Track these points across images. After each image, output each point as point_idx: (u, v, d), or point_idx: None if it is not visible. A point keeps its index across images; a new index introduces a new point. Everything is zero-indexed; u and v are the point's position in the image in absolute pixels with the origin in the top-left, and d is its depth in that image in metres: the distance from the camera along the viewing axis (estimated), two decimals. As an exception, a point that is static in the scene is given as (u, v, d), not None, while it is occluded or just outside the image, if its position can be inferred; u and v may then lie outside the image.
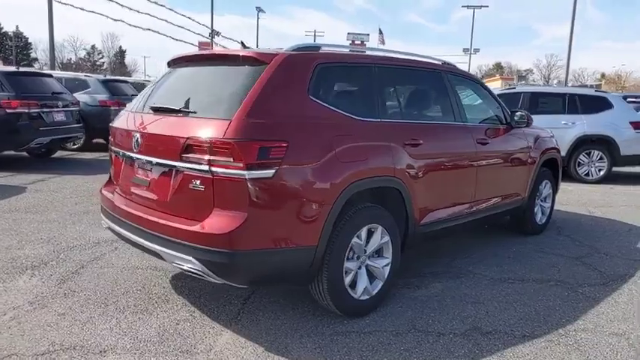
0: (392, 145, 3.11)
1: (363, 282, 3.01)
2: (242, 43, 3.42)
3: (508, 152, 4.36)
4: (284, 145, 2.52)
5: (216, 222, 2.48)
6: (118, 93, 10.75)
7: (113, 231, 3.19)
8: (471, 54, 44.23)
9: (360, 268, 3.01)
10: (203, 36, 32.35)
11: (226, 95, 2.71)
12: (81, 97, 9.88)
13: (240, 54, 2.85)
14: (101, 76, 11.56)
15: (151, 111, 2.98)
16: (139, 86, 12.37)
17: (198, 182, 2.54)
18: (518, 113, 4.43)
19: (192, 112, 2.71)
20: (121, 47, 76.56)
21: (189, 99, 2.83)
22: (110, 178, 3.48)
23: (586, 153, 8.68)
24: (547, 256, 4.39)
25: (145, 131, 2.89)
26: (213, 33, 32.66)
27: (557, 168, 5.28)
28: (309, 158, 2.65)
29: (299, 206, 2.61)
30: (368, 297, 3.04)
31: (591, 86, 31.60)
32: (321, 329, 2.86)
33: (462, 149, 3.76)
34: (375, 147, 3.02)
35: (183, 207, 2.65)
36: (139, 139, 2.89)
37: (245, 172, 2.41)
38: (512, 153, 4.41)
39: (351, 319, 2.98)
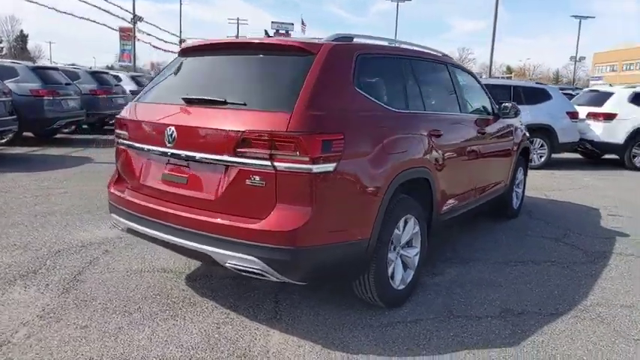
0: (422, 135, 3.15)
1: (399, 272, 3.04)
2: (266, 31, 3.29)
3: (499, 141, 4.59)
4: (342, 137, 2.47)
5: (282, 219, 2.37)
6: (51, 81, 9.82)
7: (134, 231, 2.95)
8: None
9: (396, 258, 3.04)
10: (125, 20, 30.46)
11: (277, 86, 2.60)
12: (9, 86, 8.89)
13: (286, 43, 2.73)
14: (30, 63, 10.48)
15: (182, 102, 2.74)
16: (72, 75, 11.39)
17: (257, 178, 2.40)
18: (505, 104, 4.66)
19: (241, 104, 2.55)
20: (22, 31, 69.95)
21: (230, 90, 2.66)
22: (119, 174, 3.19)
23: (529, 140, 9.32)
24: (532, 239, 4.69)
25: (184, 124, 2.66)
26: (136, 18, 30.85)
27: (528, 155, 5.66)
28: (362, 151, 2.62)
29: (356, 200, 2.57)
30: (404, 286, 3.07)
31: (508, 78, 34.00)
32: (367, 321, 2.85)
33: (469, 139, 3.90)
34: (411, 138, 3.06)
35: (238, 204, 2.49)
36: (175, 133, 2.65)
37: (312, 166, 2.33)
38: (501, 142, 4.65)
39: (391, 310, 2.99)
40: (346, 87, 2.69)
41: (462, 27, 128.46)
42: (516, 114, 4.77)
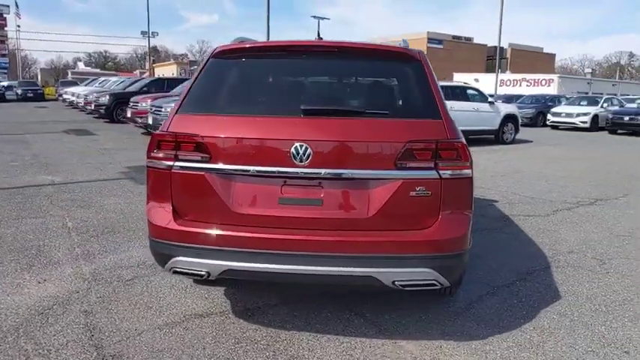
0: None
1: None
2: (319, 34, 3.09)
3: None
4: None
5: (450, 225, 2.44)
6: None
7: (235, 271, 2.48)
8: (149, 37, 45.90)
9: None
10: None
11: (403, 93, 2.59)
12: None
13: (395, 50, 2.71)
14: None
15: (299, 114, 2.48)
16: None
17: (422, 188, 2.38)
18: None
19: (382, 114, 2.48)
20: None
21: (349, 98, 2.53)
22: (179, 207, 2.57)
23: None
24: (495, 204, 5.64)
25: (322, 139, 2.40)
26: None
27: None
28: None
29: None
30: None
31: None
32: (445, 309, 3.11)
33: None
34: None
35: (398, 218, 2.42)
36: (309, 151, 2.37)
37: (469, 171, 2.46)
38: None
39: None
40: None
41: (195, 20, 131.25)
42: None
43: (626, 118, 18.70)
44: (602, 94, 29.67)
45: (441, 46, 72.91)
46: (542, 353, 2.61)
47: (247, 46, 2.81)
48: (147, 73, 48.33)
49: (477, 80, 40.56)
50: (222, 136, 2.50)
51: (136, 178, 7.23)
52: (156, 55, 72.80)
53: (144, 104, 12.39)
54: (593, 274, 3.78)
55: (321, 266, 2.39)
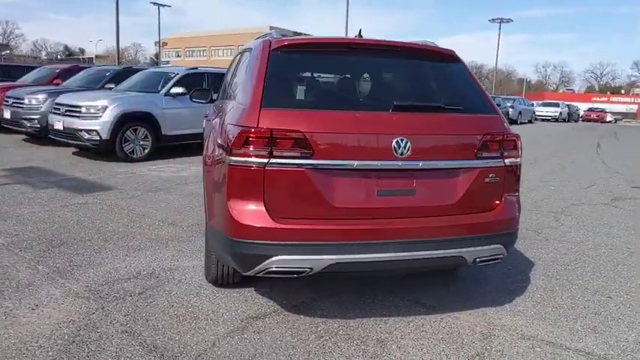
0: None
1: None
2: (360, 32, 3.22)
3: None
4: None
5: (511, 205, 2.84)
6: None
7: (342, 264, 2.50)
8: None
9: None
10: None
11: (462, 90, 2.90)
12: None
13: (445, 51, 2.99)
14: None
15: (383, 109, 2.64)
16: None
17: (493, 175, 2.73)
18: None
19: (457, 109, 2.75)
20: None
21: (427, 94, 2.74)
22: (274, 204, 2.48)
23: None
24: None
25: (418, 134, 2.57)
26: None
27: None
28: None
29: None
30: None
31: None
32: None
33: None
34: None
35: (476, 202, 2.72)
36: (409, 144, 2.52)
37: (520, 159, 2.88)
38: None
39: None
40: None
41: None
42: None
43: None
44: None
45: (283, 42, 74.42)
46: (558, 305, 3.19)
47: (308, 41, 2.80)
48: None
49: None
50: (325, 131, 2.49)
51: (33, 183, 6.21)
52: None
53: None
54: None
55: (420, 251, 2.57)
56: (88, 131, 7.94)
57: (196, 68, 9.79)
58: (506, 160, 2.78)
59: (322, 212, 2.50)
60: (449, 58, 2.99)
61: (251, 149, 2.42)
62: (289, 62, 2.75)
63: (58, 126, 8.27)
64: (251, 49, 3.08)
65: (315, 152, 2.45)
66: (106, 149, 8.11)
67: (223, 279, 3.13)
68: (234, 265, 2.66)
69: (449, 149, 2.66)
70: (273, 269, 2.48)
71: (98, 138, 7.93)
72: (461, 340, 2.72)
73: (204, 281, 3.34)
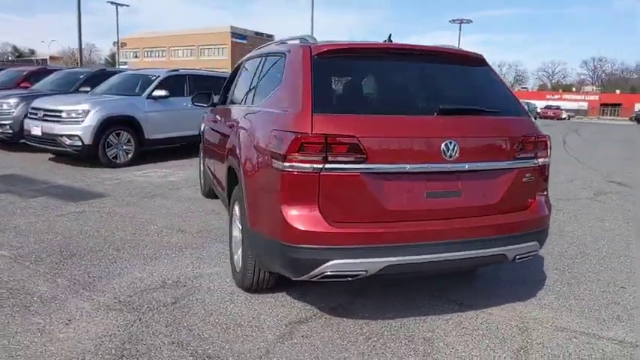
0: None
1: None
2: (390, 37, 3.28)
3: None
4: None
5: (543, 203, 2.97)
6: None
7: (395, 266, 2.55)
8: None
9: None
10: None
11: (494, 93, 2.99)
12: None
13: (476, 56, 3.10)
14: None
15: (427, 113, 2.72)
16: None
17: (529, 175, 2.85)
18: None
19: (494, 112, 2.85)
20: None
21: (465, 97, 2.84)
22: (327, 210, 2.49)
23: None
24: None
25: (465, 136, 2.65)
26: None
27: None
28: None
29: None
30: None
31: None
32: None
33: None
34: None
35: (514, 201, 2.82)
36: (457, 147, 2.59)
37: (549, 159, 3.00)
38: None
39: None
40: None
41: None
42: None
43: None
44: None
45: (245, 41, 74.08)
46: (579, 297, 3.35)
47: (347, 46, 2.82)
48: None
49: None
50: (377, 136, 2.52)
51: (19, 192, 5.94)
52: None
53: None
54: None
55: (467, 251, 2.65)
56: (70, 136, 7.66)
57: (177, 70, 9.60)
58: (539, 160, 2.91)
59: (375, 215, 2.54)
60: (478, 61, 3.08)
61: (306, 155, 2.42)
62: (332, 67, 2.76)
63: (36, 131, 7.93)
64: (282, 53, 3.07)
65: (368, 156, 2.48)
66: (89, 155, 7.84)
67: (258, 284, 3.11)
68: (285, 270, 2.66)
69: (491, 151, 2.75)
70: (328, 273, 2.49)
71: (80, 143, 7.65)
72: (501, 334, 2.82)
73: (234, 287, 3.32)
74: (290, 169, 2.44)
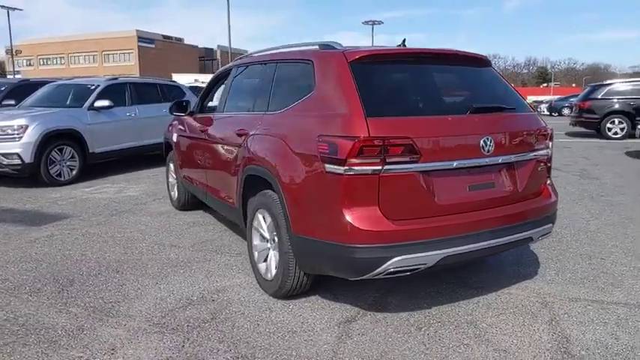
0: None
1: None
2: (404, 41, 3.46)
3: None
4: None
5: (552, 190, 3.34)
6: None
7: (452, 257, 2.71)
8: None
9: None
10: None
11: (504, 92, 3.27)
12: None
13: (483, 58, 3.36)
14: None
15: (462, 112, 2.92)
16: None
17: (542, 164, 3.21)
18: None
19: (512, 109, 3.14)
20: None
21: (487, 96, 3.18)
22: (385, 208, 2.60)
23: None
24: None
25: (498, 132, 2.91)
26: None
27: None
28: None
29: None
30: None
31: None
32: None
33: None
34: None
35: (532, 189, 3.13)
36: (492, 142, 2.84)
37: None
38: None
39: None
40: None
41: None
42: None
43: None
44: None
45: (152, 46, 71.12)
46: (573, 270, 3.76)
47: (380, 52, 2.96)
48: None
49: (196, 80, 41.19)
50: (428, 136, 2.68)
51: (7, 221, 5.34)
52: None
53: None
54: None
55: (504, 237, 2.90)
56: (7, 155, 6.98)
57: (117, 78, 9.09)
58: (549, 151, 3.26)
59: (429, 211, 2.71)
60: (486, 62, 3.37)
61: (366, 158, 2.52)
62: (370, 72, 2.85)
63: (-36, 152, 7.11)
64: (307, 60, 3.12)
65: (422, 155, 2.64)
66: (30, 174, 7.20)
67: (296, 289, 3.14)
68: (345, 271, 2.72)
69: (518, 144, 3.03)
70: (391, 270, 2.61)
71: (19, 162, 7.00)
72: (529, 310, 3.10)
73: (265, 296, 3.30)
74: (352, 173, 2.52)
